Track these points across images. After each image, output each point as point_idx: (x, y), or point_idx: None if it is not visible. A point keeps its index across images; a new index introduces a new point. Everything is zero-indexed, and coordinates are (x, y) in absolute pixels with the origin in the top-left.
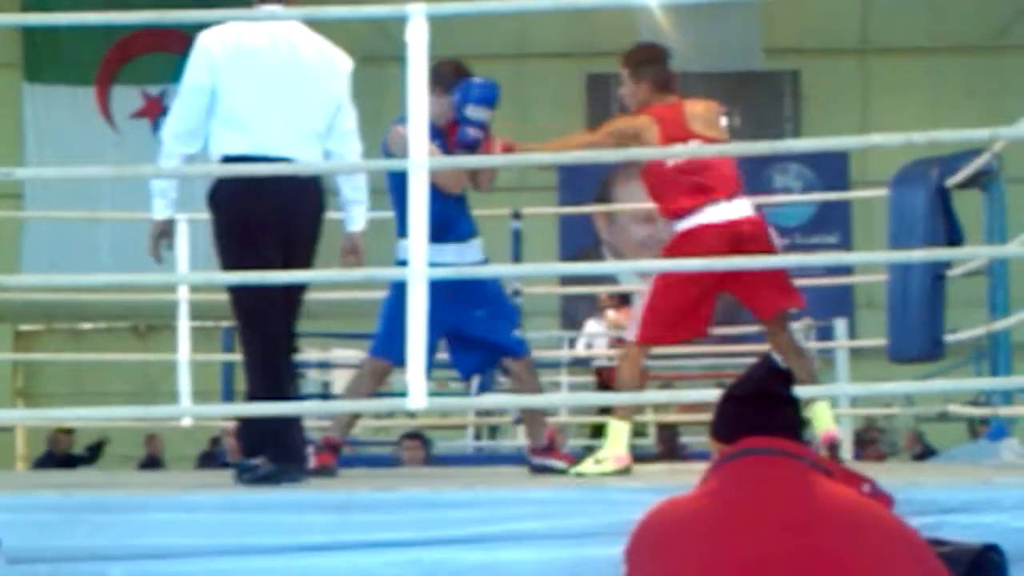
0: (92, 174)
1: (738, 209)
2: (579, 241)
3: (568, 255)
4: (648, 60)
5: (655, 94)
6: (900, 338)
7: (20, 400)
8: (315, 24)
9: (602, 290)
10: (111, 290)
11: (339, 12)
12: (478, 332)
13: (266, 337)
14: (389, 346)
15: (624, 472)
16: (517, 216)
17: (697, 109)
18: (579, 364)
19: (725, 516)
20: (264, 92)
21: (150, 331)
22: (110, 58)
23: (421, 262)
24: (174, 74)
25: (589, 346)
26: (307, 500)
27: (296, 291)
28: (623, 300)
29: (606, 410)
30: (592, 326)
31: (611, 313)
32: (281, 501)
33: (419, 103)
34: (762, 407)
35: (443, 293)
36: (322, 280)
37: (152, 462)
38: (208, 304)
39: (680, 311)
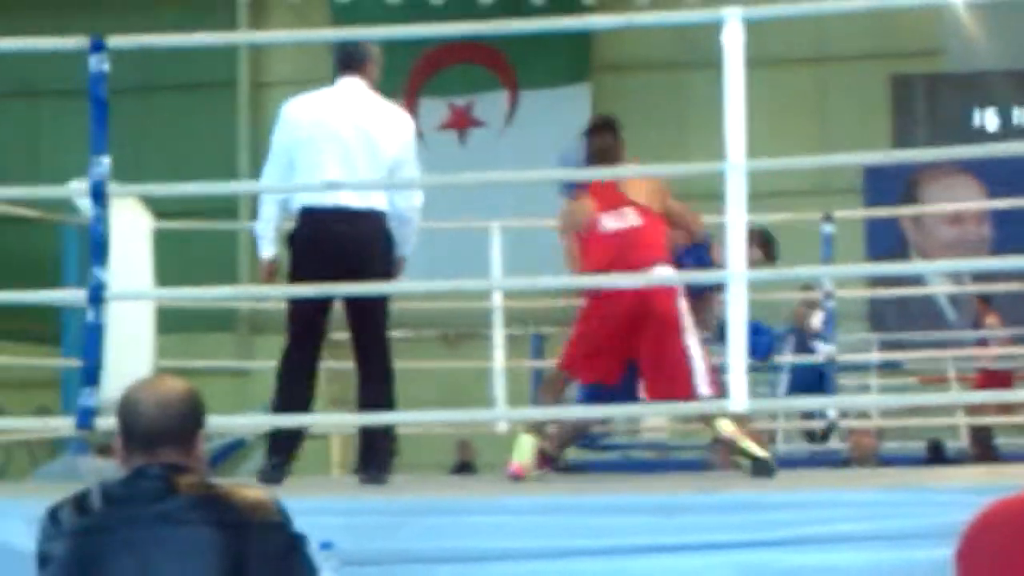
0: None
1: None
2: (886, 243)
3: (875, 257)
4: (589, 130)
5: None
6: None
7: (334, 407)
8: (628, 38)
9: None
10: (420, 299)
11: (652, 19)
12: None
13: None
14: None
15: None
16: (829, 219)
17: (637, 181)
18: (888, 366)
19: None
20: (331, 151)
21: (459, 339)
22: (417, 70)
23: (741, 263)
24: (480, 85)
25: None
26: (629, 502)
27: (366, 310)
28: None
29: None
30: None
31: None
32: (603, 504)
33: (737, 105)
34: None
35: None
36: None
37: (464, 467)
38: (519, 311)
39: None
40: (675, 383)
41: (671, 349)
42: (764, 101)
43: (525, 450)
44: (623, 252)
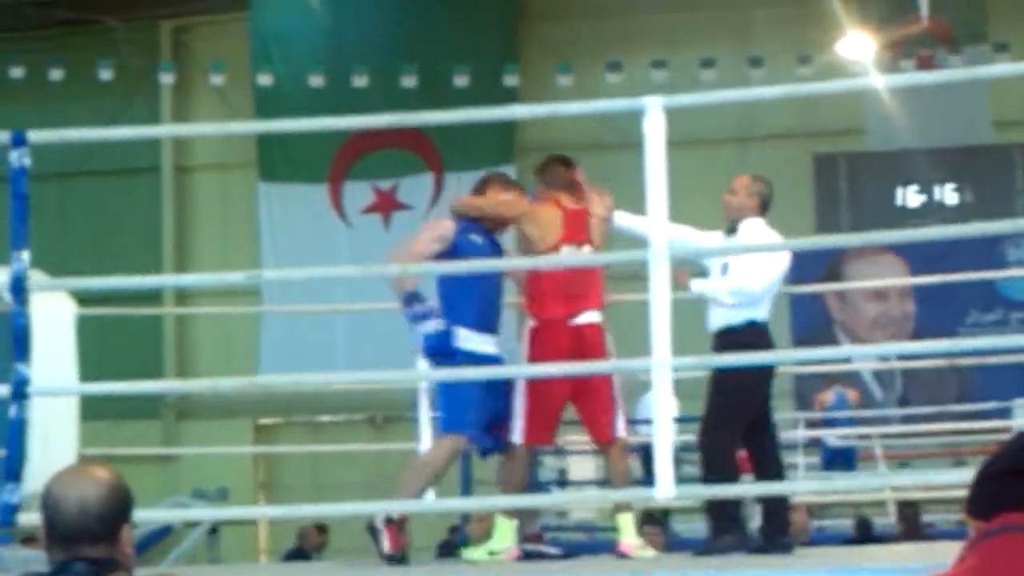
0: (336, 274)
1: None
2: (811, 319)
3: (799, 333)
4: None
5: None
6: None
7: (262, 492)
8: (551, 118)
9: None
10: (347, 381)
11: (577, 107)
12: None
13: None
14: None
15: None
16: None
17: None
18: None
19: None
20: None
21: (386, 422)
22: (342, 155)
23: (665, 351)
24: (405, 168)
25: None
26: None
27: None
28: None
29: None
30: None
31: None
32: None
33: (658, 192)
34: (1019, 483)
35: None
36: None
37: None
38: None
39: (555, 413)
40: (610, 427)
41: (605, 392)
42: (687, 181)
43: (510, 534)
44: (574, 290)
